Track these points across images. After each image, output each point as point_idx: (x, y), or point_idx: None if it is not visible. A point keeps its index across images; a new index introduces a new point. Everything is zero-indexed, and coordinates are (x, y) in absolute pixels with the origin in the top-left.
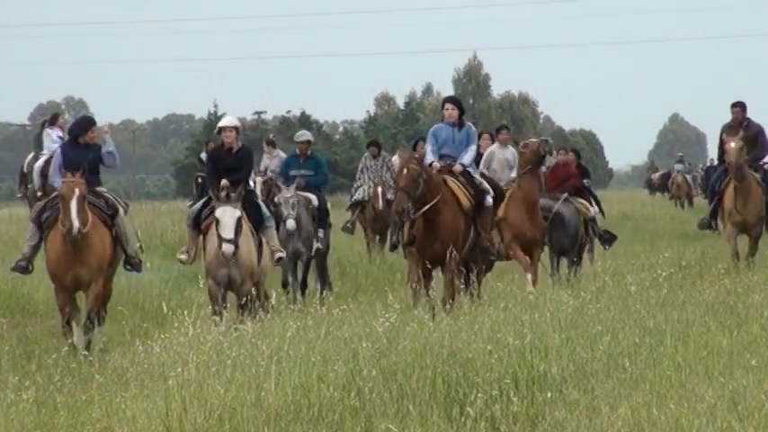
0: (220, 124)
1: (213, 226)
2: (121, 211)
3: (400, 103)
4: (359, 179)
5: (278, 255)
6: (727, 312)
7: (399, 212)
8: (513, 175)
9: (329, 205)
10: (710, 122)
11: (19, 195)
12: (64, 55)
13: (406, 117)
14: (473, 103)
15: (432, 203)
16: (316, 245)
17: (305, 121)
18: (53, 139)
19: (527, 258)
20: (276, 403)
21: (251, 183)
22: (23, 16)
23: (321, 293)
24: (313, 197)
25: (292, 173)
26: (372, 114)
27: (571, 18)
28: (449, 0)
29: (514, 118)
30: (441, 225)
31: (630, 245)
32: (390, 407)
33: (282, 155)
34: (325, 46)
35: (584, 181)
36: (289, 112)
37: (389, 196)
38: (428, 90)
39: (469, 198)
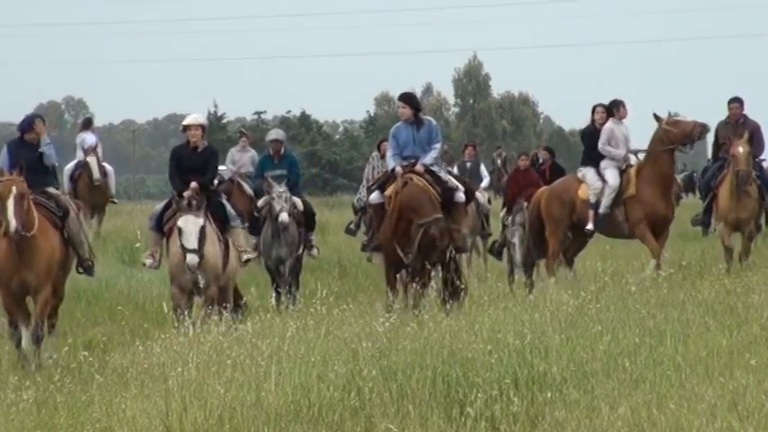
0: (185, 122)
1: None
2: (72, 212)
3: None
4: (367, 181)
5: (245, 256)
6: (727, 312)
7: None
8: (624, 152)
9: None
10: (710, 122)
11: None
12: (64, 55)
13: None
14: (473, 103)
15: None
16: (312, 251)
17: (305, 121)
18: (86, 143)
19: (656, 243)
20: (276, 403)
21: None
22: (23, 16)
23: (294, 297)
24: (298, 201)
25: (267, 174)
26: (372, 114)
27: (571, 18)
28: (449, 0)
29: (514, 118)
30: (412, 228)
31: (630, 245)
32: (390, 407)
33: (254, 153)
34: (325, 46)
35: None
36: (289, 112)
37: None
38: (428, 90)
39: (437, 196)
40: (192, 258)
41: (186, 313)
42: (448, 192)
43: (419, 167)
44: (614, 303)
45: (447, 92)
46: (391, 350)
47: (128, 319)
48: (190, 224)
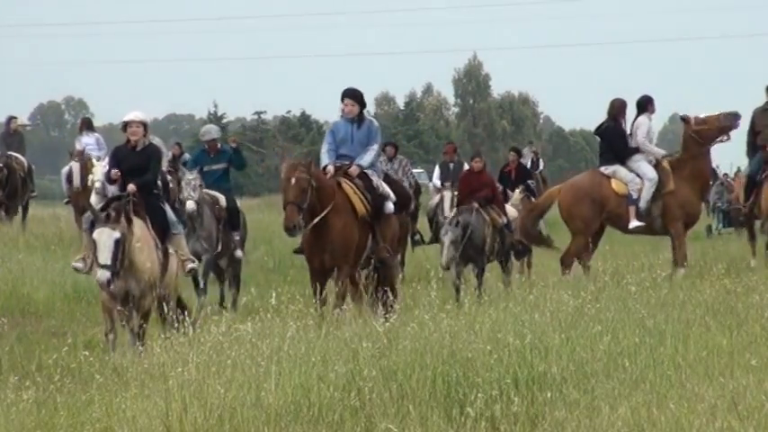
0: (125, 119)
1: None
2: None
3: (400, 103)
4: None
5: (189, 266)
6: (727, 312)
7: (290, 229)
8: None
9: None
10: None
11: None
12: (64, 55)
13: (406, 117)
14: (473, 103)
15: (323, 214)
16: (236, 253)
17: (305, 121)
18: (82, 143)
19: (685, 247)
20: (276, 403)
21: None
22: (23, 16)
23: (233, 302)
24: (221, 196)
25: (204, 169)
26: (372, 114)
27: (571, 18)
28: (449, 0)
29: (514, 118)
30: (330, 235)
31: (630, 245)
32: (390, 407)
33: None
34: (325, 46)
35: (529, 182)
36: (289, 112)
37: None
38: (428, 90)
39: (366, 204)
40: (102, 274)
41: (124, 324)
42: (378, 200)
43: (353, 169)
44: (614, 303)
45: (447, 92)
46: (391, 350)
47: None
48: (104, 237)
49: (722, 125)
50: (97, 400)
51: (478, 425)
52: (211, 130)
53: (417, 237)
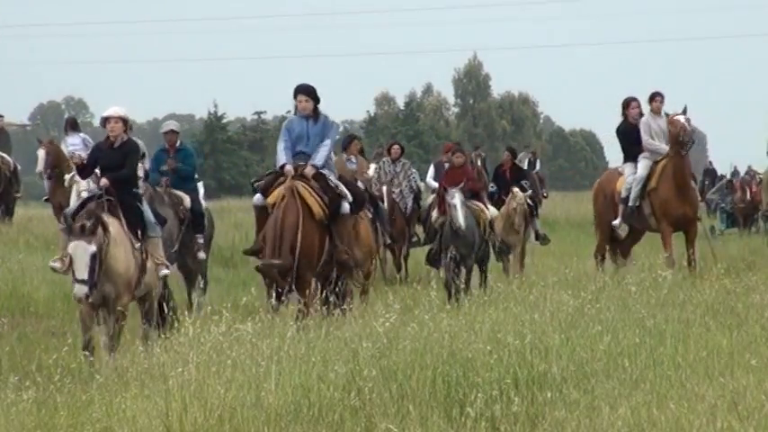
0: (105, 114)
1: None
2: None
3: (400, 103)
4: (375, 185)
5: (163, 271)
6: (727, 312)
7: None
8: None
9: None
10: (711, 123)
11: None
12: (64, 55)
13: (406, 117)
14: (473, 103)
15: (300, 235)
16: (199, 254)
17: None
18: (67, 143)
19: (671, 245)
20: (276, 403)
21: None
22: (23, 16)
23: (197, 303)
24: (186, 197)
25: (163, 168)
26: (372, 114)
27: (571, 18)
28: (449, 0)
29: (514, 118)
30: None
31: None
32: (390, 407)
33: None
34: (325, 46)
35: (522, 182)
36: (288, 111)
37: (407, 200)
38: (428, 90)
39: (323, 207)
40: (79, 289)
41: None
42: (335, 200)
43: (309, 170)
44: (614, 303)
45: (447, 92)
46: (391, 350)
47: (127, 319)
48: (80, 251)
49: (675, 136)
50: (97, 400)
51: (478, 425)
52: (170, 124)
53: (415, 239)
